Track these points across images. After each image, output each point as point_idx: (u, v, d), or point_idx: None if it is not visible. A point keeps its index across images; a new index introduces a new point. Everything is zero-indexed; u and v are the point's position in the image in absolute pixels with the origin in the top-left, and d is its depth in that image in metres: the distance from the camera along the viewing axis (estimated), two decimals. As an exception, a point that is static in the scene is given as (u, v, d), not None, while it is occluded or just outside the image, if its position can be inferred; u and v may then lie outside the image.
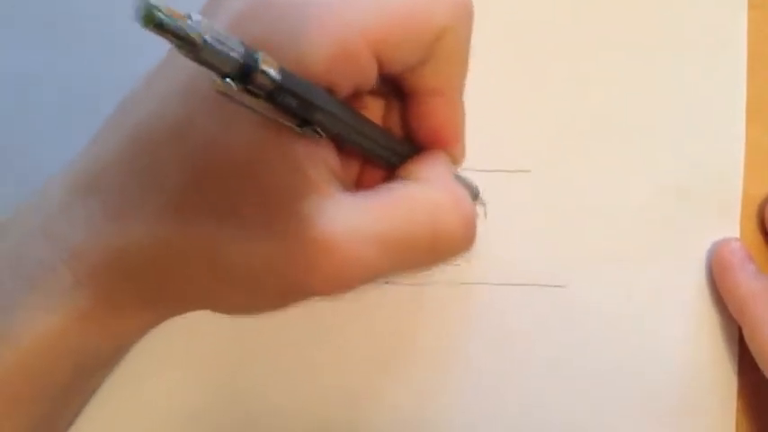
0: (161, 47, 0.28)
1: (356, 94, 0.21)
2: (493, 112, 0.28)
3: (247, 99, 0.17)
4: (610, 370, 0.28)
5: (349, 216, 0.19)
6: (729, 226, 0.28)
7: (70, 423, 0.25)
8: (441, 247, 0.20)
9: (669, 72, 0.29)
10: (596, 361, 0.28)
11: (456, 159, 0.24)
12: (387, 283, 0.28)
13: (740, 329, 0.27)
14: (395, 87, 0.22)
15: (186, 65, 0.16)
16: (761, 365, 0.26)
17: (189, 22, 0.15)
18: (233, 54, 0.16)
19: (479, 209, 0.27)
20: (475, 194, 0.27)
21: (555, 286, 0.28)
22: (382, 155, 0.22)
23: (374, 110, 0.23)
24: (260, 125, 0.18)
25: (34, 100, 0.29)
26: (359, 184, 0.24)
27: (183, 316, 0.25)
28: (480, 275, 0.28)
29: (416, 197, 0.20)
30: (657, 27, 0.29)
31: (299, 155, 0.19)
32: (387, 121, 0.24)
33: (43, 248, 0.20)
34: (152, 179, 0.19)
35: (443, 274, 0.28)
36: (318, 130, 0.19)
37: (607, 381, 0.28)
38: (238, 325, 0.28)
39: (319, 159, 0.19)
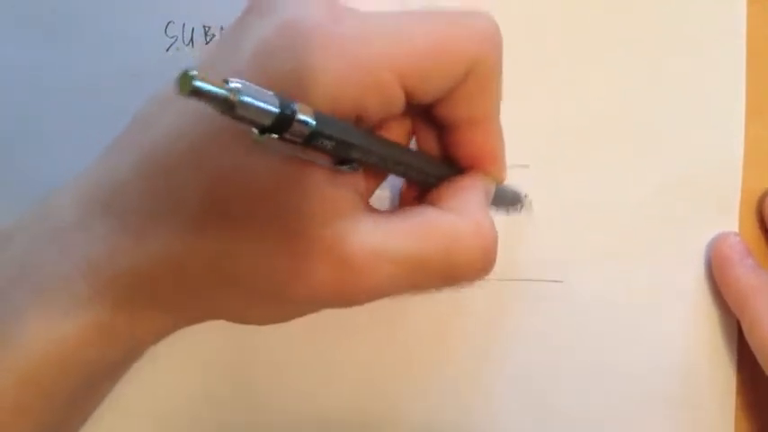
0: (160, 45, 0.29)
1: (383, 120, 0.21)
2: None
3: (284, 146, 0.17)
4: (608, 365, 0.28)
5: (368, 236, 0.19)
6: (729, 221, 0.28)
7: (78, 429, 0.25)
8: (456, 272, 0.21)
9: (668, 67, 0.29)
10: (595, 356, 0.28)
11: (497, 179, 0.24)
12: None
13: (739, 324, 0.27)
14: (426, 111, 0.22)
15: None
16: (760, 360, 0.26)
17: (226, 86, 0.15)
18: (270, 109, 0.16)
19: (520, 211, 0.28)
20: (516, 200, 0.28)
21: (553, 281, 0.28)
22: (418, 179, 0.23)
23: (401, 131, 0.23)
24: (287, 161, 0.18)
25: (35, 100, 0.29)
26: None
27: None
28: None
29: (437, 224, 0.21)
30: (657, 22, 0.29)
31: (323, 180, 0.19)
32: (422, 143, 0.24)
33: (57, 260, 0.20)
34: (170, 198, 0.19)
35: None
36: (354, 165, 0.19)
37: (606, 376, 0.28)
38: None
39: (344, 183, 0.20)
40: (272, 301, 0.20)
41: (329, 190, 0.19)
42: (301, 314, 0.22)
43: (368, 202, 0.23)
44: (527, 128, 0.29)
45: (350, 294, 0.20)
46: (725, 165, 0.29)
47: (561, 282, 0.28)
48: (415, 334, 0.28)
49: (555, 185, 0.29)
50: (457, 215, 0.21)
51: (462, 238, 0.20)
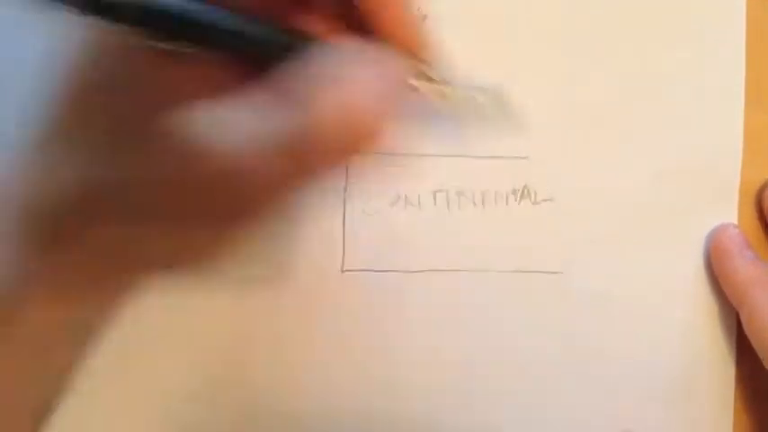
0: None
1: None
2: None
3: (116, 29, 0.16)
4: (607, 357, 0.28)
5: (234, 126, 0.17)
6: (728, 211, 0.28)
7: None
8: (348, 127, 0.16)
9: (668, 57, 0.29)
10: (594, 346, 0.28)
11: (419, 54, 0.19)
12: (368, 271, 0.28)
13: (738, 316, 0.27)
14: None
15: None
16: (758, 351, 0.26)
17: None
18: None
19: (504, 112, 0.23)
20: (496, 95, 0.23)
21: (552, 272, 0.28)
22: (264, 53, 0.19)
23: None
24: (129, 52, 0.18)
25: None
26: None
27: (182, 297, 0.26)
28: (479, 262, 0.28)
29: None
30: (657, 11, 0.29)
31: (172, 73, 0.18)
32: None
33: None
34: (73, 123, 0.19)
35: (438, 261, 0.28)
36: (186, 44, 0.18)
37: (605, 366, 0.28)
38: (237, 310, 0.28)
39: (199, 74, 0.18)
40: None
41: (183, 83, 0.18)
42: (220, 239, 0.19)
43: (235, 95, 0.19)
44: (526, 119, 0.29)
45: (237, 198, 0.17)
46: (724, 156, 0.29)
47: (560, 273, 0.28)
48: (412, 325, 0.28)
49: (554, 176, 0.28)
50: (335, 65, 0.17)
51: (348, 83, 0.16)
